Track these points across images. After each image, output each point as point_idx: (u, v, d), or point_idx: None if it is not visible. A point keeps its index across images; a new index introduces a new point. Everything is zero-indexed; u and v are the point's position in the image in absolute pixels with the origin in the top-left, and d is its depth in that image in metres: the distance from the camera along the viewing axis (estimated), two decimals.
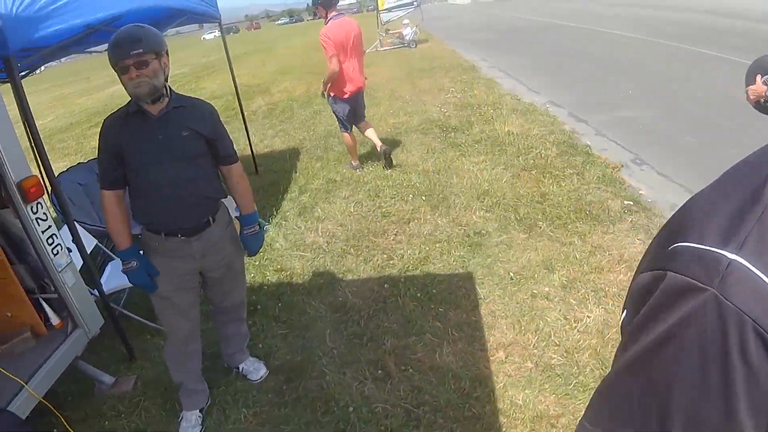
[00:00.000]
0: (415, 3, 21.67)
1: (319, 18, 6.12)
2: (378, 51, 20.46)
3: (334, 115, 6.53)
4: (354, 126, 6.49)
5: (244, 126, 7.34)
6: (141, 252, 2.67)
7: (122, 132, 2.47)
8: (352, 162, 6.69)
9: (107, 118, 2.55)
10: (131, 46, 2.28)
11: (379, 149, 6.39)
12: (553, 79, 11.03)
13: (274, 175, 7.01)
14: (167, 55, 2.48)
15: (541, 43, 17.10)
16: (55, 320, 3.26)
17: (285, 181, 6.66)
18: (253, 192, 6.17)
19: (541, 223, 4.63)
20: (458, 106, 9.23)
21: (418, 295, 3.82)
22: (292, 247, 4.86)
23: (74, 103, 21.78)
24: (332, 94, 6.16)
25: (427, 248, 4.45)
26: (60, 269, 3.10)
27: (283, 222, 5.44)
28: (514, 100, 9.31)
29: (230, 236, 2.84)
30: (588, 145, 6.56)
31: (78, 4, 3.41)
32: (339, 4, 6.09)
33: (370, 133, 6.51)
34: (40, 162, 3.23)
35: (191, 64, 29.67)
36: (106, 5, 3.73)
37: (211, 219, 2.67)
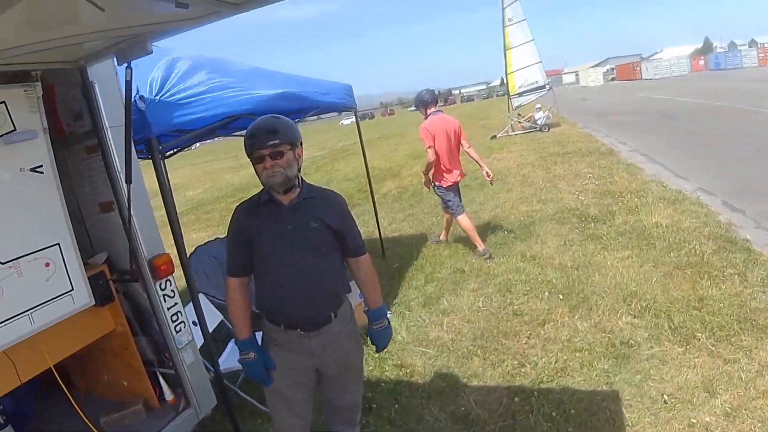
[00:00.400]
0: (547, 86, 21.50)
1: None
2: (509, 135, 20.47)
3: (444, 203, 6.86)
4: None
5: (373, 209, 7.40)
6: (260, 343, 2.62)
7: (252, 220, 2.50)
8: (478, 248, 6.46)
9: (239, 204, 2.62)
10: (268, 137, 2.34)
11: (440, 237, 7.34)
12: (702, 164, 10.13)
13: (400, 260, 6.88)
14: (301, 146, 2.50)
15: (684, 124, 16.09)
16: (169, 396, 3.30)
17: (411, 268, 6.49)
18: (379, 276, 6.05)
19: (699, 334, 3.96)
20: (597, 194, 8.68)
21: (554, 414, 3.33)
22: (415, 341, 4.58)
23: (223, 178, 23.79)
24: (437, 183, 6.59)
25: (565, 357, 3.95)
26: (180, 346, 3.18)
27: (407, 312, 5.20)
28: (659, 186, 8.59)
29: (351, 333, 2.69)
30: (748, 239, 5.75)
31: (221, 94, 3.61)
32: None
33: (447, 220, 7.16)
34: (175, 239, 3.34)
35: (329, 147, 31.42)
36: (251, 97, 3.92)
37: (332, 314, 2.56)
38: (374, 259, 6.70)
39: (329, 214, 2.52)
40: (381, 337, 2.76)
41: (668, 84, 38.95)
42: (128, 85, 2.55)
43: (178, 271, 3.23)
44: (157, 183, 3.30)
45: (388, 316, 4.92)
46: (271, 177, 2.37)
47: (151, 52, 2.36)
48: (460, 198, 6.73)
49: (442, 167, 6.45)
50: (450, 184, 6.51)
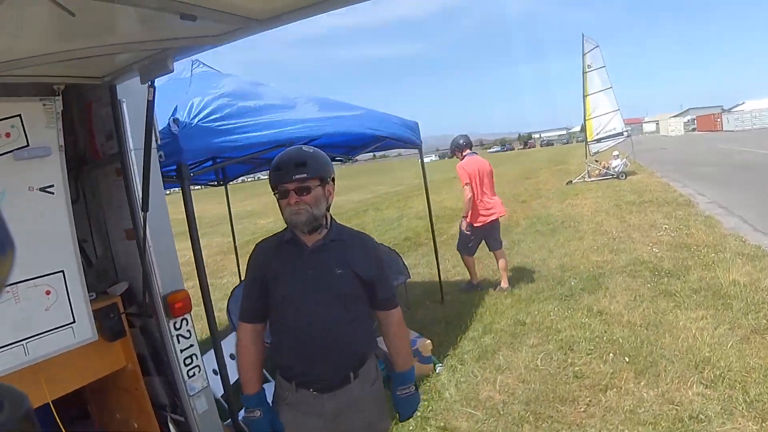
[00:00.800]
0: (625, 133, 21.38)
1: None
2: (585, 181, 20.19)
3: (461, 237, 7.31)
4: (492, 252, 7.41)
5: (434, 253, 7.33)
6: (270, 401, 2.35)
7: (272, 260, 2.26)
8: (472, 281, 7.32)
9: (260, 242, 2.38)
10: (294, 170, 2.10)
11: (502, 285, 7.11)
12: None
13: (459, 306, 6.68)
14: (333, 182, 2.25)
15: (766, 177, 15.07)
16: None
17: (469, 316, 6.24)
18: (435, 324, 5.86)
19: None
20: (672, 246, 8.21)
21: None
22: (463, 400, 4.29)
23: None
24: (468, 222, 7.07)
25: (627, 431, 3.58)
26: (192, 393, 2.94)
27: (459, 366, 4.93)
28: (738, 241, 8.05)
29: (374, 396, 2.35)
30: None
31: (266, 122, 3.53)
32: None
33: (502, 266, 7.21)
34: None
35: (407, 184, 31.40)
36: (301, 127, 3.82)
37: (352, 374, 2.25)
38: (432, 304, 6.66)
39: (358, 261, 2.25)
40: (406, 405, 2.40)
41: (750, 136, 37.09)
42: (150, 105, 2.43)
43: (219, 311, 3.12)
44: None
45: (438, 369, 4.74)
46: (294, 215, 2.11)
47: (173, 71, 2.27)
48: (487, 239, 7.25)
49: (476, 205, 7.01)
50: (479, 225, 7.05)
